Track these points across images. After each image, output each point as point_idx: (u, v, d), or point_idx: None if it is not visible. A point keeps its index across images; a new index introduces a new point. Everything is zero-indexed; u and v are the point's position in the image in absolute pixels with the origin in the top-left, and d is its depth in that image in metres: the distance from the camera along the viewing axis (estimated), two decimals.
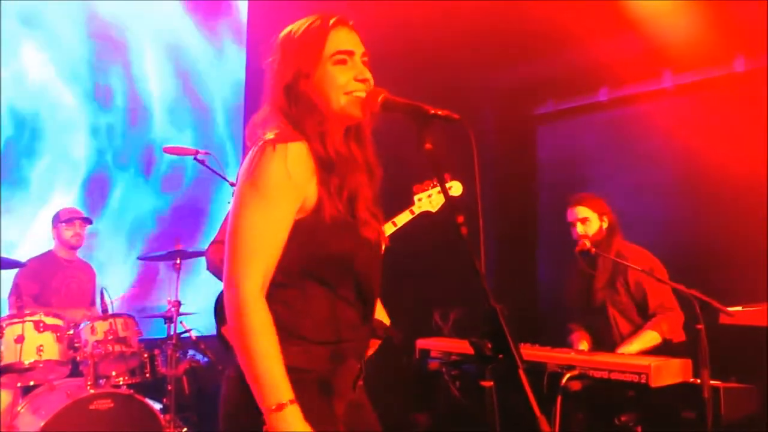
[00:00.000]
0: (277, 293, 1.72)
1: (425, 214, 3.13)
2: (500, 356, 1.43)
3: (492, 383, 1.47)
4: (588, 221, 4.04)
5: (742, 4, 4.58)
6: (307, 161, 1.72)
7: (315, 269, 1.76)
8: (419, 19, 5.20)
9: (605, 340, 3.98)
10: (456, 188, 3.17)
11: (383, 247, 1.92)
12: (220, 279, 3.98)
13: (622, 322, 3.96)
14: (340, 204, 1.74)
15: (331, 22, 1.82)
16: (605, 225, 4.05)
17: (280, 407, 1.57)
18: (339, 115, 1.82)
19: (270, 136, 1.73)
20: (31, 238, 5.33)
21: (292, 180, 1.68)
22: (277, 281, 1.72)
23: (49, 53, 5.70)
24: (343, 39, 1.83)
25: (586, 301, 4.09)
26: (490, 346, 1.44)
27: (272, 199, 1.68)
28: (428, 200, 3.14)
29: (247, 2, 6.89)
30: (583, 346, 4.01)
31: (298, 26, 1.85)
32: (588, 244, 3.92)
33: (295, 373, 1.64)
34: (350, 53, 1.82)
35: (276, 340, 1.63)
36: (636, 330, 3.91)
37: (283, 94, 1.82)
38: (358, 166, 1.84)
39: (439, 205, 3.13)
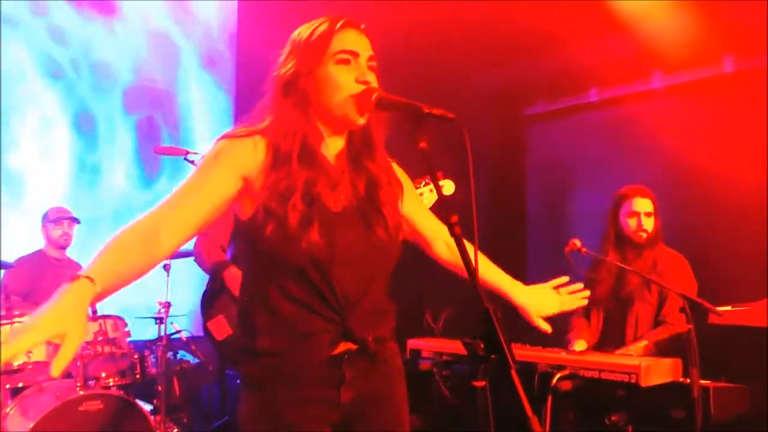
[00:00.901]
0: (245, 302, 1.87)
1: None
2: (493, 356, 1.43)
3: (485, 383, 1.47)
4: (651, 216, 3.95)
5: (731, 4, 4.60)
6: (255, 153, 1.78)
7: (263, 268, 1.81)
8: (410, 21, 5.20)
9: (619, 338, 3.93)
10: (448, 187, 3.15)
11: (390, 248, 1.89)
12: (204, 270, 3.98)
13: (643, 322, 3.90)
14: (291, 203, 1.73)
15: (340, 23, 1.83)
16: (658, 223, 3.98)
17: (73, 278, 1.54)
18: (336, 115, 1.83)
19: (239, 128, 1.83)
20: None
21: (231, 160, 1.76)
22: (246, 288, 1.87)
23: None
24: (350, 40, 1.83)
25: (614, 298, 4.01)
26: (482, 346, 1.44)
27: (203, 168, 1.77)
28: (427, 195, 3.11)
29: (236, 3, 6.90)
30: (580, 346, 4.00)
31: (309, 25, 1.87)
32: (578, 243, 3.88)
33: (249, 380, 1.82)
34: (354, 54, 1.82)
35: (121, 248, 1.61)
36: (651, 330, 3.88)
37: (282, 86, 1.83)
38: (327, 171, 1.84)
39: (431, 203, 3.09)
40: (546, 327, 2.18)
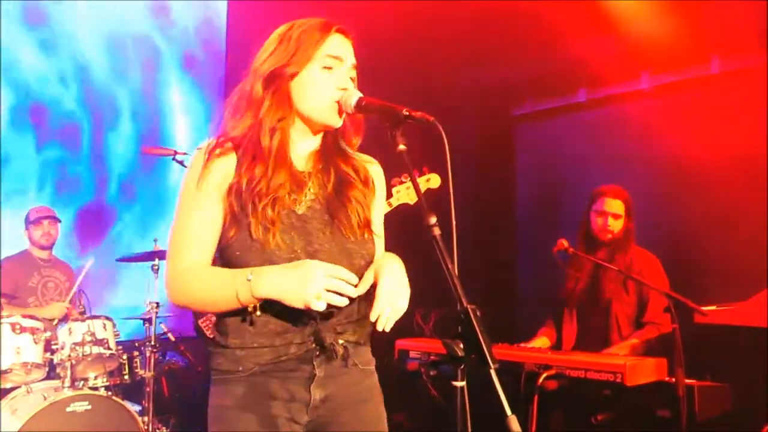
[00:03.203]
0: None
1: (405, 207, 3.09)
2: (472, 356, 1.44)
3: (464, 383, 1.48)
4: (619, 218, 3.99)
5: (718, 5, 4.62)
6: (230, 167, 1.82)
7: (228, 267, 1.82)
8: (398, 20, 5.21)
9: (600, 338, 3.94)
10: (434, 180, 3.14)
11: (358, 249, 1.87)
12: None
13: (624, 322, 3.92)
14: (253, 207, 1.76)
15: (333, 29, 1.85)
16: (627, 225, 4.00)
17: (250, 276, 1.69)
18: (314, 118, 1.85)
19: (209, 140, 1.87)
20: None
21: (214, 185, 1.82)
22: None
23: None
24: (336, 45, 1.85)
25: (589, 297, 4.04)
26: (462, 346, 1.45)
27: (191, 201, 1.83)
28: (406, 192, 3.10)
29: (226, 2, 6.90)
30: (539, 343, 4.04)
31: (298, 24, 1.87)
32: (566, 243, 3.92)
33: (219, 374, 1.84)
34: (339, 59, 1.84)
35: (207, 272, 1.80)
36: (634, 331, 3.91)
37: (264, 80, 1.84)
38: (294, 173, 1.86)
39: (413, 201, 3.09)
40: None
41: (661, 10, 4.83)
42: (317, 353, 1.81)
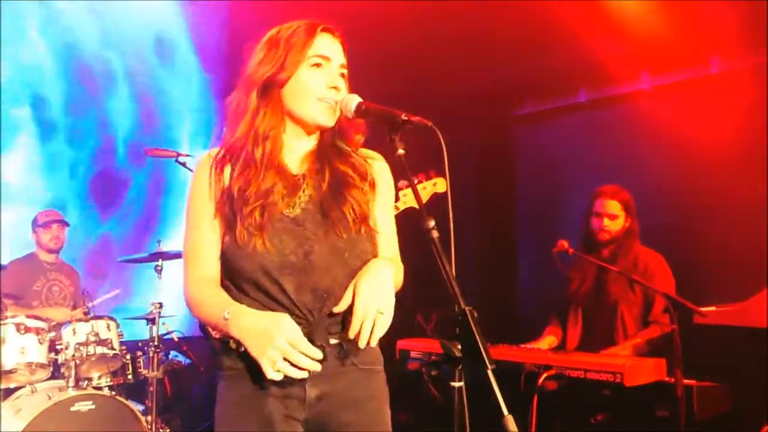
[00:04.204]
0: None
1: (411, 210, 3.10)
2: (469, 357, 1.46)
3: (462, 383, 1.50)
4: (616, 219, 4.00)
5: (718, 6, 4.63)
6: (226, 173, 1.88)
7: (228, 274, 1.89)
8: (398, 20, 5.22)
9: (606, 338, 3.95)
10: (441, 185, 3.12)
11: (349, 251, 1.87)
12: None
13: (630, 322, 3.93)
14: (243, 212, 1.80)
15: (319, 29, 1.88)
16: (627, 225, 4.01)
17: (227, 315, 1.77)
18: (305, 118, 1.88)
19: (214, 150, 1.94)
20: None
21: (212, 190, 1.89)
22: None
23: None
24: (323, 45, 1.88)
25: (594, 298, 4.06)
26: (459, 347, 1.47)
27: (197, 215, 1.91)
28: (413, 196, 3.09)
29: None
30: (546, 343, 4.06)
31: (285, 28, 1.90)
32: (566, 244, 3.92)
33: (223, 370, 1.91)
34: (327, 59, 1.87)
35: (210, 292, 1.88)
36: (640, 331, 3.92)
37: (258, 91, 1.87)
38: (286, 176, 1.89)
39: (425, 200, 3.08)
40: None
41: (661, 11, 4.84)
42: None
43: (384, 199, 2.02)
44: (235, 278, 1.85)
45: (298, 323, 1.77)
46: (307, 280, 1.81)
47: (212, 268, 1.90)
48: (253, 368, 1.79)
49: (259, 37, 1.95)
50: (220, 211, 1.86)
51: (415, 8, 5.20)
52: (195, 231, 1.91)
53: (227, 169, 1.88)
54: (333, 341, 1.85)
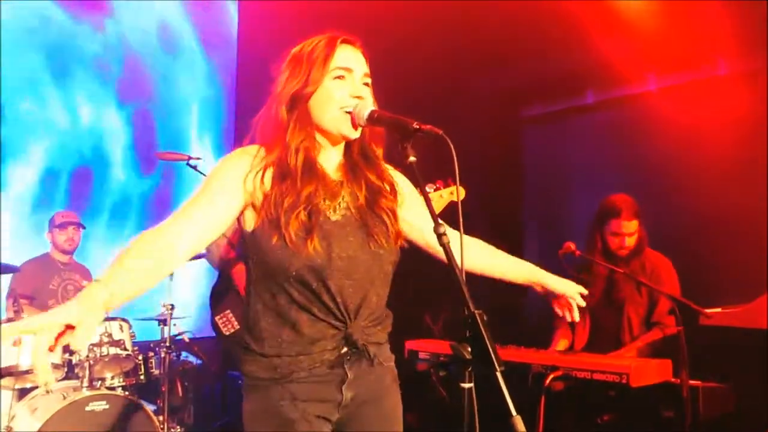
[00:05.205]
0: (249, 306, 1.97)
1: None
2: (479, 359, 1.50)
3: (471, 385, 1.54)
4: (634, 235, 4.00)
5: (725, 7, 4.65)
6: (259, 169, 1.89)
7: (269, 277, 1.89)
8: (406, 23, 5.26)
9: (613, 339, 3.98)
10: (459, 193, 3.15)
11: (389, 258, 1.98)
12: (213, 266, 4.06)
13: (636, 323, 3.97)
14: (293, 215, 1.83)
15: (339, 41, 1.93)
16: (641, 234, 4.02)
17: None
18: (331, 129, 1.93)
19: (249, 147, 1.95)
20: None
21: (237, 177, 1.88)
22: (253, 294, 1.95)
23: None
24: (345, 56, 1.93)
25: (604, 299, 4.08)
26: (469, 349, 1.51)
27: (210, 184, 1.89)
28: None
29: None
30: (561, 345, 4.08)
31: (307, 44, 1.96)
32: (572, 246, 3.93)
33: (254, 380, 1.91)
34: (349, 70, 1.92)
35: (135, 256, 1.73)
36: (646, 332, 3.95)
37: (287, 105, 1.92)
38: (327, 183, 1.93)
39: (442, 207, 3.12)
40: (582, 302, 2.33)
41: (667, 12, 4.86)
42: (348, 357, 1.92)
43: (411, 199, 2.13)
44: (280, 277, 1.86)
45: (338, 325, 1.87)
46: (350, 284, 1.88)
47: (180, 230, 1.82)
48: (291, 378, 1.87)
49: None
50: (265, 212, 1.86)
51: (424, 10, 5.23)
52: (200, 194, 1.89)
53: (268, 172, 1.89)
54: (370, 342, 1.94)
